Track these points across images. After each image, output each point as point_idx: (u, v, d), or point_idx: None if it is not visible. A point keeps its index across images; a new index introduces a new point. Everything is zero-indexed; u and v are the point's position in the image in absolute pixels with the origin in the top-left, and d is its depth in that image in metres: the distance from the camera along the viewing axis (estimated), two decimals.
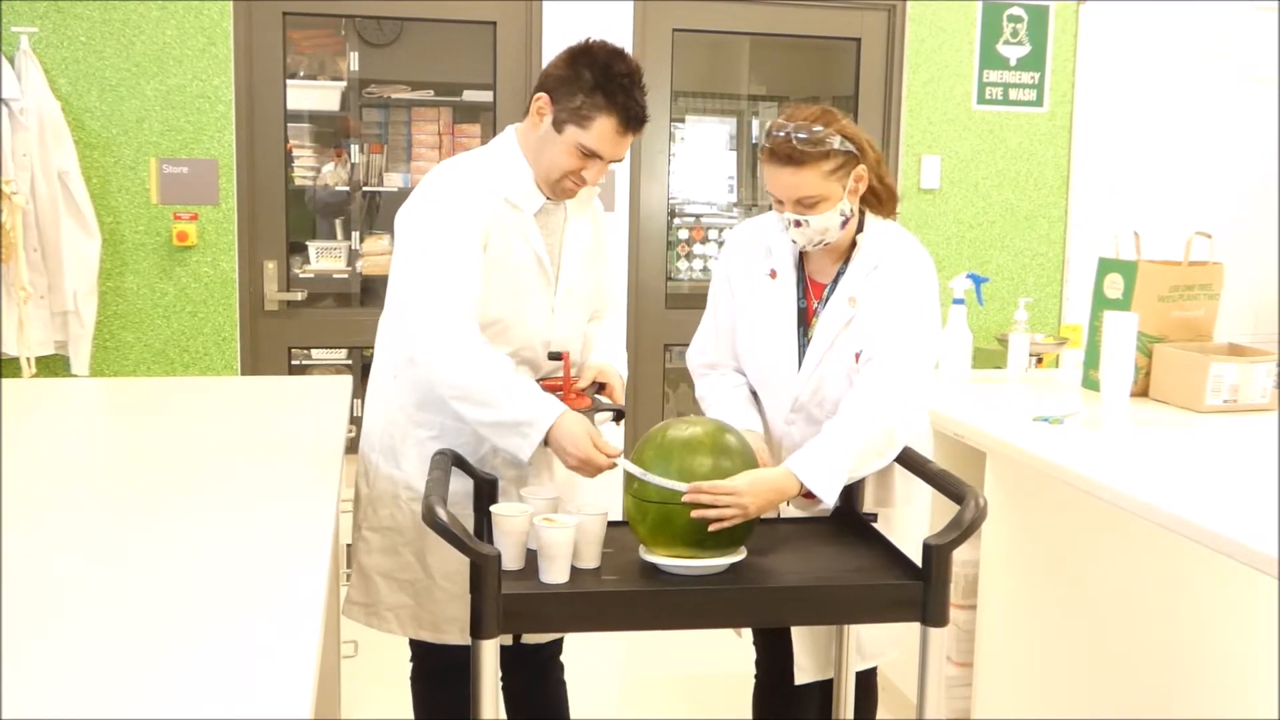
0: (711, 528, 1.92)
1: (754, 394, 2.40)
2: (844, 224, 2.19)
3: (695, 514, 1.90)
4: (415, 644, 2.54)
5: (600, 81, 2.22)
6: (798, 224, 2.17)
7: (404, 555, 2.42)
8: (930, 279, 2.22)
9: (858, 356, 2.20)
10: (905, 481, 2.34)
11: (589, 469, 2.14)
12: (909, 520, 2.24)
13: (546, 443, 2.15)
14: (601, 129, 2.23)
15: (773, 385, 2.33)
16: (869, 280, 2.21)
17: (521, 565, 1.99)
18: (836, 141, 2.12)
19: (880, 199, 2.24)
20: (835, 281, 2.25)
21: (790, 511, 2.35)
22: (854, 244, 2.25)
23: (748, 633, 2.62)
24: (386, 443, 2.44)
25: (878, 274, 2.20)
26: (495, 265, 2.29)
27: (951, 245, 4.83)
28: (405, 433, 2.41)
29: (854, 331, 2.21)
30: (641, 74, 2.28)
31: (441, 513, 1.85)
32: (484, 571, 1.83)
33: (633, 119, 2.25)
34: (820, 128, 2.13)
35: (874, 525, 2.26)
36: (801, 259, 2.31)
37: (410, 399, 2.39)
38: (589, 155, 2.25)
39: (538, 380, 2.34)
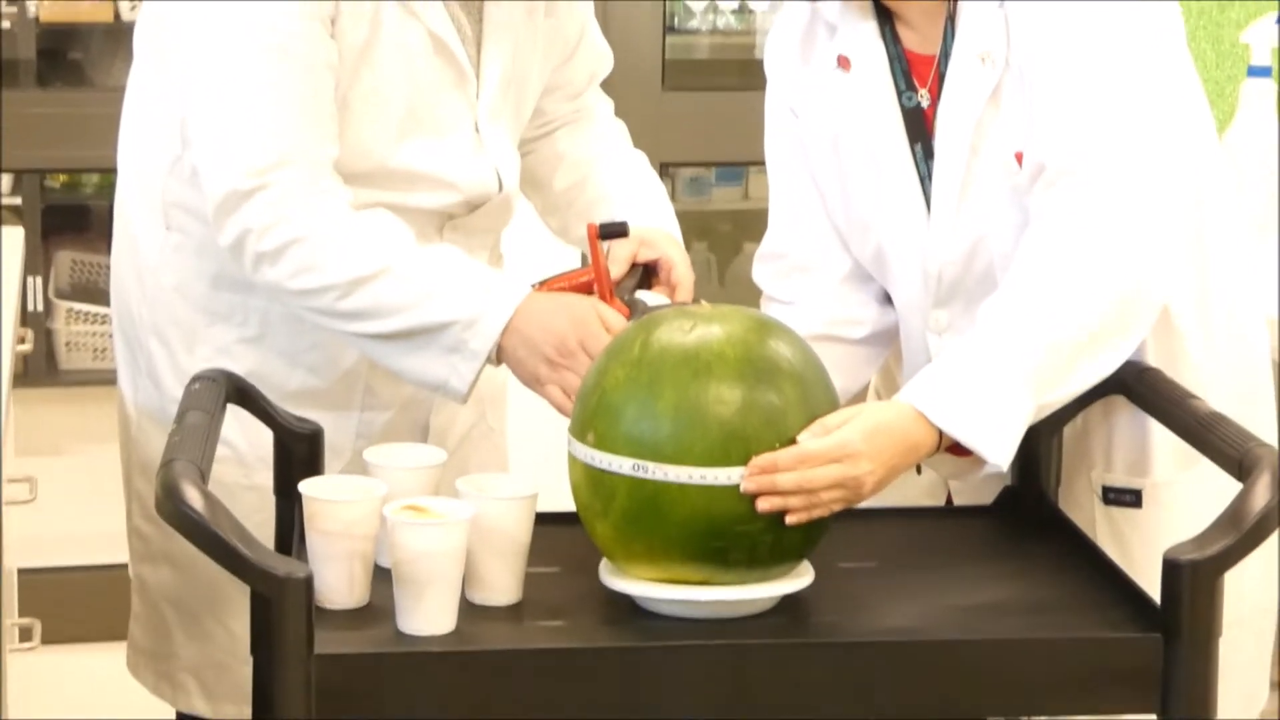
0: (790, 520, 1.07)
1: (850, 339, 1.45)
2: None
3: (765, 506, 1.07)
4: None
5: None
6: None
7: (198, 567, 1.37)
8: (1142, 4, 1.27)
9: (1019, 158, 1.26)
10: None
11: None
12: (1195, 502, 1.26)
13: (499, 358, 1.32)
14: None
15: (893, 261, 1.38)
16: (1011, 21, 1.26)
17: (363, 600, 1.11)
18: None
19: None
20: (947, 39, 1.30)
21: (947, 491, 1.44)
22: None
23: None
24: (157, 360, 1.54)
25: (1025, 7, 1.26)
26: (365, 66, 1.39)
27: None
28: (193, 334, 1.52)
29: (1005, 116, 1.27)
30: None
31: (194, 498, 1.02)
32: (279, 610, 1.00)
33: None
34: None
35: (1113, 515, 1.34)
36: (893, 26, 1.34)
37: (204, 271, 1.51)
38: None
39: (546, 281, 1.44)
